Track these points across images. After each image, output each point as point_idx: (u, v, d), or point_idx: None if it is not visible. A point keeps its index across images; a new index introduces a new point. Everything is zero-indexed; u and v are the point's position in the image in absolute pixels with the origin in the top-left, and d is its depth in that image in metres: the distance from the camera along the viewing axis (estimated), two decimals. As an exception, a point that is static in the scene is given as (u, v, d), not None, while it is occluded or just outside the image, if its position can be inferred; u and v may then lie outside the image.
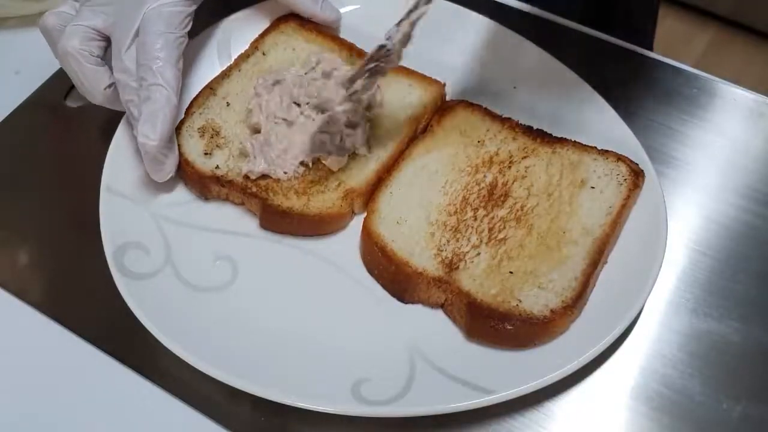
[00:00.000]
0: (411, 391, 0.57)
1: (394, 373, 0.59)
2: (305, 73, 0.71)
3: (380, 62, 0.64)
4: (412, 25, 0.63)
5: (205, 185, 0.68)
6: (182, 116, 0.71)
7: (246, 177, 0.67)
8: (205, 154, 0.68)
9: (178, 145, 0.69)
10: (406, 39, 0.64)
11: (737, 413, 0.59)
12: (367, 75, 0.65)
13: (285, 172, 0.67)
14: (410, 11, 0.63)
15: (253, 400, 0.57)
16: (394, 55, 0.64)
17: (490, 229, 0.64)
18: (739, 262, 0.67)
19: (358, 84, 0.65)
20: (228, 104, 0.72)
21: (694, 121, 0.76)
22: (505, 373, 0.58)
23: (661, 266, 0.62)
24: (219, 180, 0.67)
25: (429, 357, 0.59)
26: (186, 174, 0.68)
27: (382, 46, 0.63)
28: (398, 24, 0.63)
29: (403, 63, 0.75)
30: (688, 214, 0.70)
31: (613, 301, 0.61)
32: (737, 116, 0.77)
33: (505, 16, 0.79)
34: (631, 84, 0.79)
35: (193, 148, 0.69)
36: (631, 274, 0.62)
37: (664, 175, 0.71)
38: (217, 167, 0.67)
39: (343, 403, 0.57)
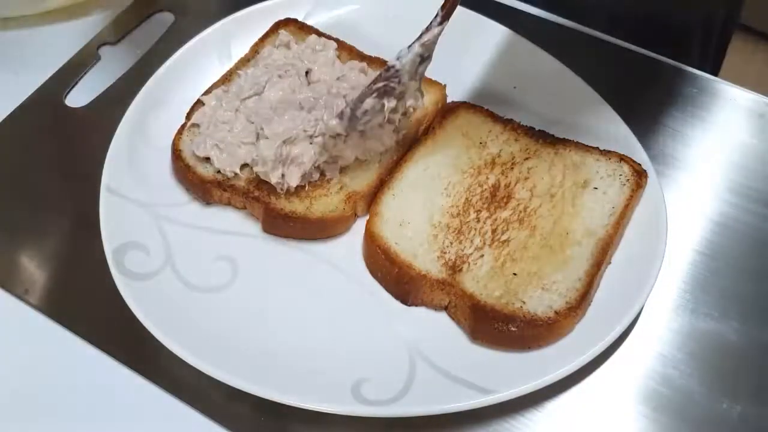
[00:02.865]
0: (411, 391, 0.57)
1: (394, 373, 0.59)
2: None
3: (389, 82, 0.63)
4: (425, 46, 0.63)
5: (207, 190, 0.68)
6: (183, 120, 0.71)
7: (248, 181, 0.67)
8: (207, 159, 0.68)
9: (179, 150, 0.69)
10: (417, 59, 0.63)
11: (737, 413, 0.59)
12: (375, 95, 0.64)
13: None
14: (422, 33, 0.63)
15: (253, 400, 0.57)
16: (404, 75, 0.63)
17: (494, 231, 0.64)
18: (739, 262, 0.67)
19: (367, 103, 0.64)
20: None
21: (694, 121, 0.76)
22: (505, 373, 0.58)
23: (661, 266, 0.62)
24: (221, 185, 0.67)
25: (429, 357, 0.59)
26: (187, 179, 0.68)
27: (390, 67, 0.63)
28: (410, 45, 0.63)
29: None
30: (688, 214, 0.70)
31: (613, 301, 0.61)
32: (737, 116, 0.77)
33: (505, 17, 0.80)
34: (631, 84, 0.79)
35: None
36: (631, 274, 0.62)
37: (664, 175, 0.71)
38: (219, 172, 0.67)
39: (343, 403, 0.57)
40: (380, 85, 0.63)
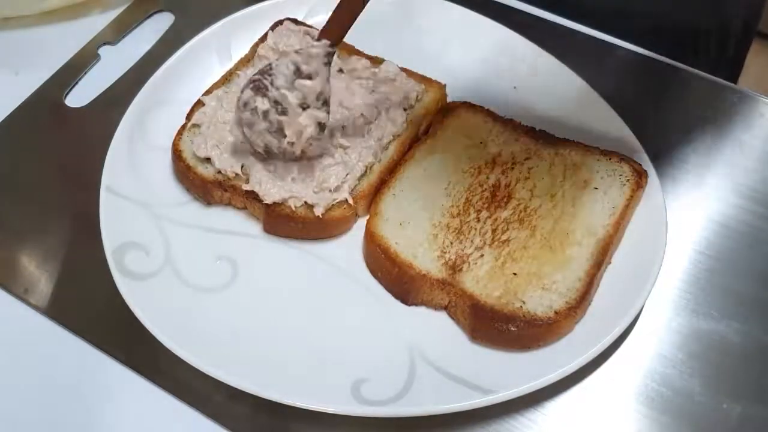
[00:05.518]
0: (411, 391, 0.57)
1: (394, 373, 0.59)
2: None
3: (263, 77, 0.64)
4: (302, 56, 0.64)
5: (208, 190, 0.68)
6: (183, 121, 0.71)
7: (249, 181, 0.67)
8: (207, 159, 0.68)
9: (180, 150, 0.69)
10: (292, 67, 0.64)
11: (737, 413, 0.59)
12: (251, 86, 0.64)
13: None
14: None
15: (253, 400, 0.57)
16: (278, 77, 0.64)
17: (494, 231, 0.64)
18: (739, 262, 0.67)
19: (245, 93, 0.64)
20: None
21: (695, 120, 0.76)
22: (505, 373, 0.58)
23: (661, 266, 0.62)
24: (222, 185, 0.67)
25: (429, 357, 0.59)
26: (188, 180, 0.68)
27: (268, 63, 0.63)
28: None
29: (405, 64, 0.75)
30: (688, 214, 0.70)
31: (614, 301, 0.61)
32: (737, 116, 0.77)
33: (505, 17, 0.80)
34: (631, 84, 0.79)
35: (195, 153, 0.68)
36: (631, 274, 0.62)
37: (664, 175, 0.71)
38: (219, 172, 0.67)
39: (343, 403, 0.57)
40: (256, 76, 0.63)
